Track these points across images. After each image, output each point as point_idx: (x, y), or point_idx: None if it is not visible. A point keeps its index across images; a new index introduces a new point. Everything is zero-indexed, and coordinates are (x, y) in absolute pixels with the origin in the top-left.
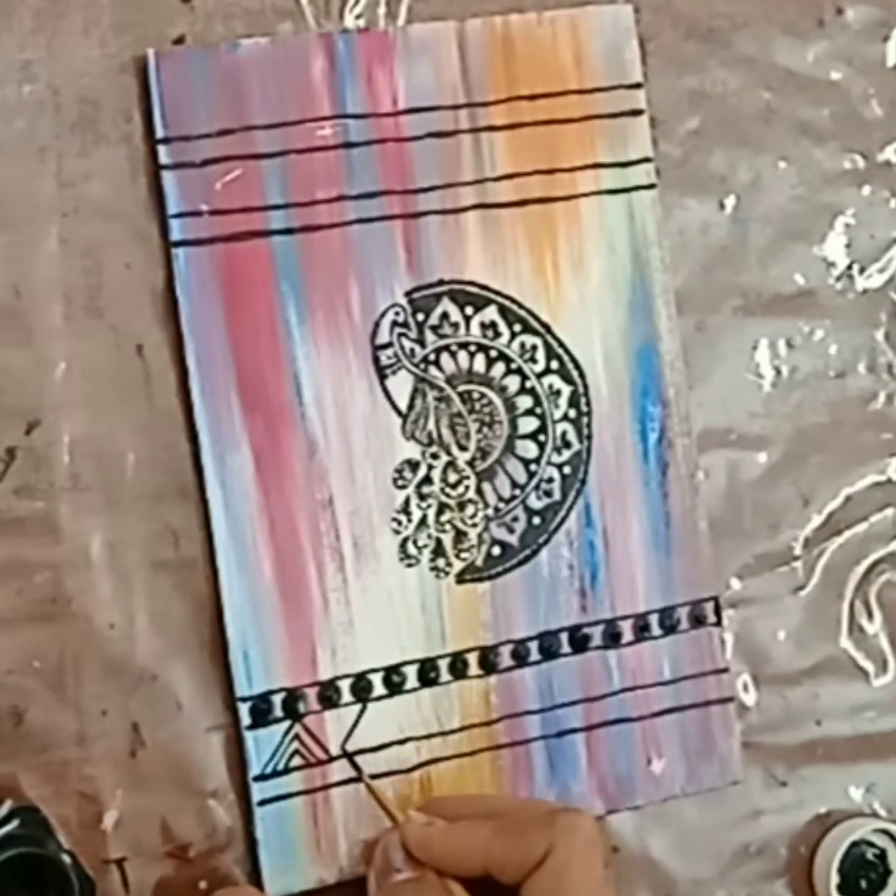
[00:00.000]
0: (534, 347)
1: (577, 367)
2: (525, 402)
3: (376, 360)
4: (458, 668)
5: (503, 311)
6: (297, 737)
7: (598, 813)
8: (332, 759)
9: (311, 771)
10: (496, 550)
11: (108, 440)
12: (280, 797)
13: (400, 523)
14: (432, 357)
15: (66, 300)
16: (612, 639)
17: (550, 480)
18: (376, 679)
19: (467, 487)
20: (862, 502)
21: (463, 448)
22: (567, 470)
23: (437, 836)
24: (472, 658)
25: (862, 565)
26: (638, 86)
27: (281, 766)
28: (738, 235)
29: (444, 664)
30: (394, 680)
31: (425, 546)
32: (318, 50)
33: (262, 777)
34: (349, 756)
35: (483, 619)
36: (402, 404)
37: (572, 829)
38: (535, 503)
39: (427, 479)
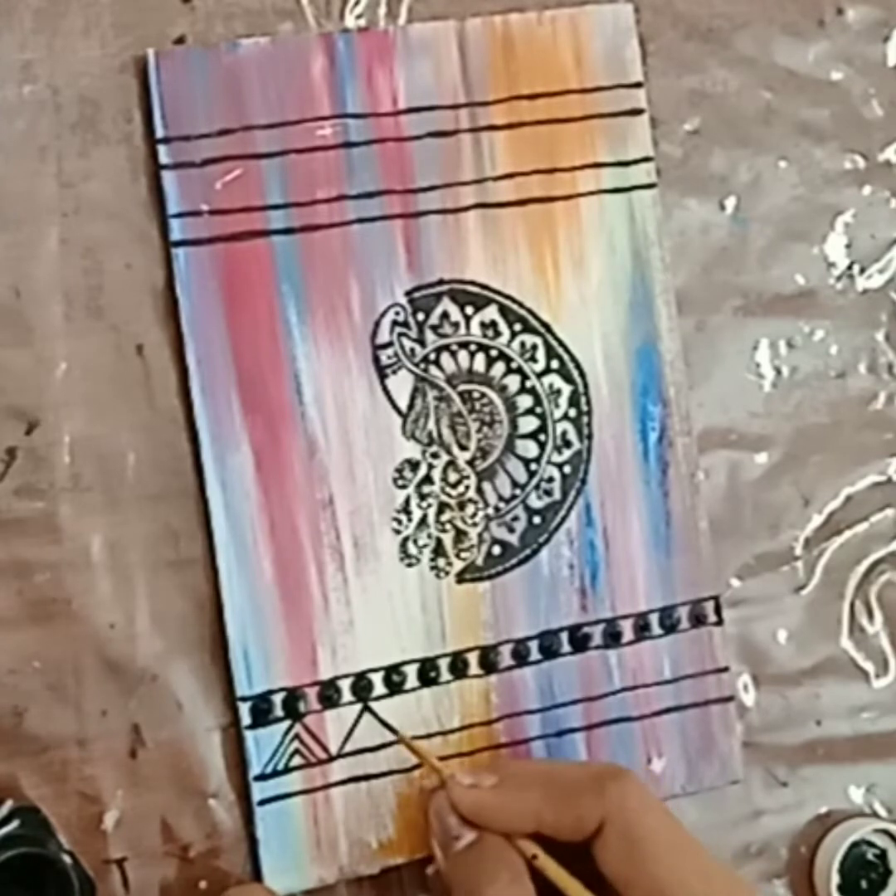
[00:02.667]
0: (534, 347)
1: (578, 366)
2: (525, 401)
3: (376, 359)
4: (459, 667)
5: (503, 310)
6: (297, 736)
7: None
8: (332, 758)
9: (312, 770)
10: (496, 550)
11: (109, 440)
12: (280, 797)
13: (400, 523)
14: (432, 356)
15: (67, 300)
16: (613, 638)
17: (551, 480)
18: (377, 679)
19: (467, 487)
20: (862, 502)
21: (463, 447)
22: (567, 469)
23: (487, 799)
24: (473, 657)
25: (862, 565)
26: (638, 85)
27: (281, 766)
28: (738, 235)
29: (444, 664)
30: (394, 679)
31: (426, 545)
32: (318, 50)
33: (262, 777)
34: (380, 720)
35: (483, 619)
36: (403, 404)
37: (623, 796)
38: (536, 502)
39: (427, 479)
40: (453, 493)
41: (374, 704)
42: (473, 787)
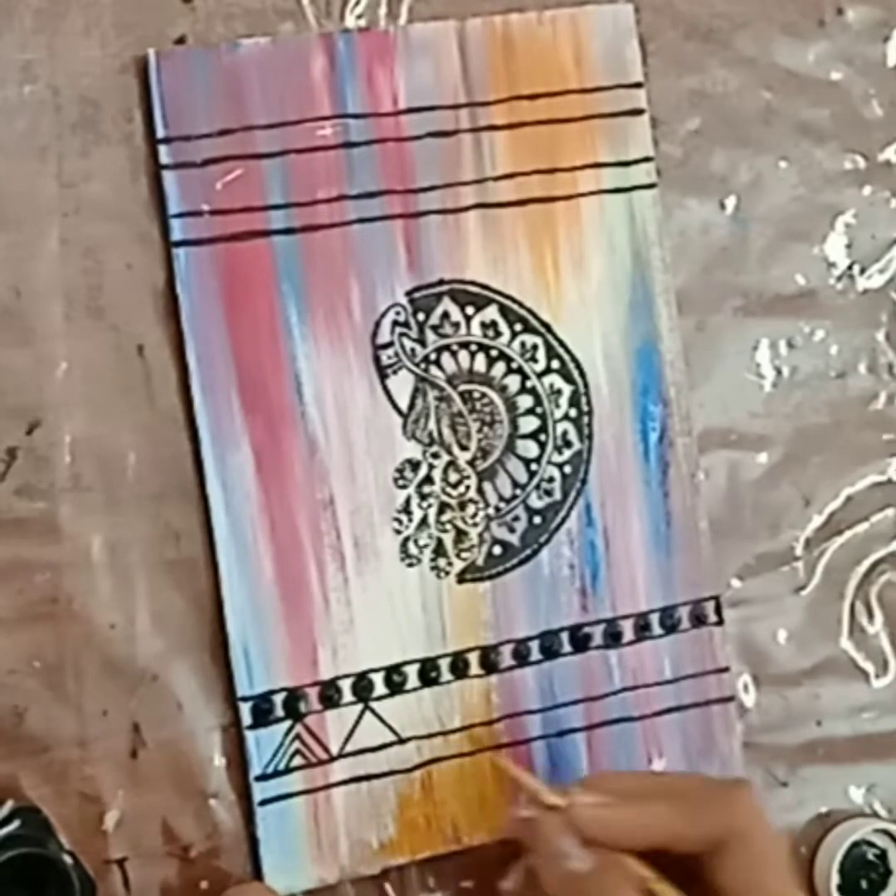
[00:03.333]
0: (534, 347)
1: (578, 366)
2: (526, 401)
3: (377, 359)
4: (459, 667)
5: (504, 310)
6: (298, 736)
7: None
8: (333, 758)
9: (312, 771)
10: (497, 550)
11: (109, 440)
12: (281, 797)
13: (401, 523)
14: (433, 356)
15: (67, 300)
16: (613, 638)
17: (551, 480)
18: (377, 679)
19: (468, 487)
20: (862, 502)
21: (464, 447)
22: (568, 469)
23: (615, 816)
24: (473, 657)
25: (863, 565)
26: (638, 85)
27: (282, 766)
28: (738, 235)
29: (444, 664)
30: (395, 679)
31: (426, 545)
32: (318, 50)
33: (263, 777)
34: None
35: (484, 619)
36: (403, 404)
37: (752, 810)
38: (536, 502)
39: (428, 479)
40: (454, 493)
41: (374, 704)
42: (599, 805)
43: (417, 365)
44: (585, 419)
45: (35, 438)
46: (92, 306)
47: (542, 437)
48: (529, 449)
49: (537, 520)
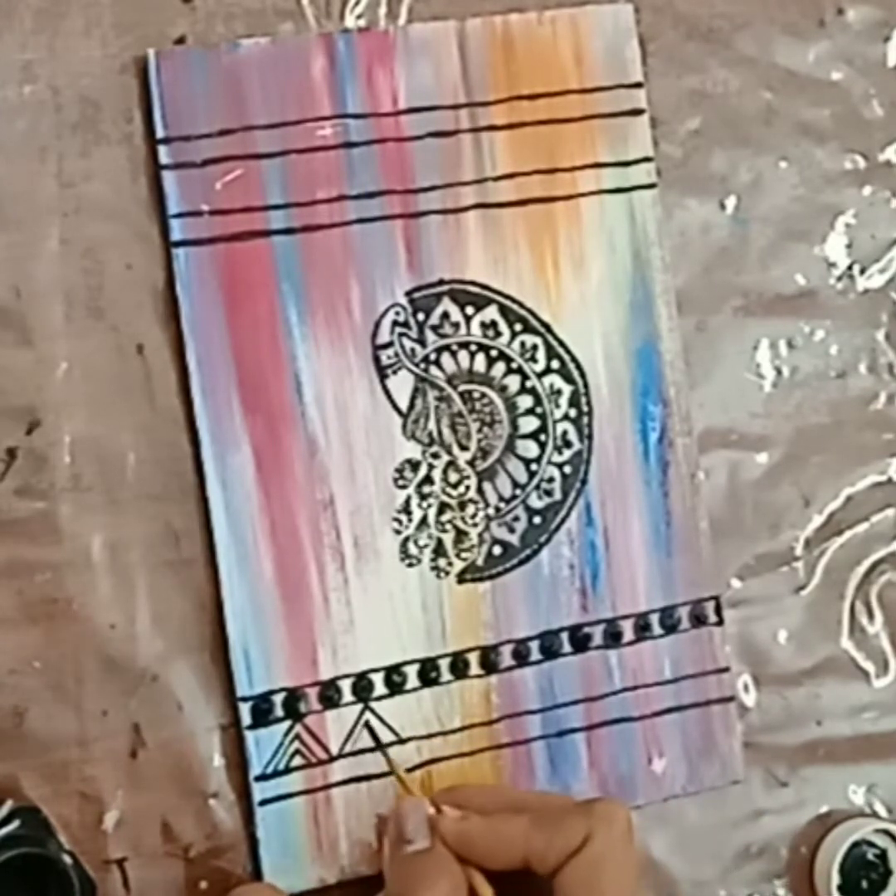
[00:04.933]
0: (534, 347)
1: (578, 366)
2: (526, 401)
3: (377, 359)
4: (459, 667)
5: (504, 310)
6: (298, 737)
7: None
8: (333, 758)
9: (312, 771)
10: (497, 550)
11: (109, 440)
12: (281, 797)
13: (401, 523)
14: (433, 357)
15: (67, 300)
16: (613, 638)
17: (551, 480)
18: (377, 679)
19: (468, 487)
20: (863, 502)
21: (464, 448)
22: (568, 469)
23: (475, 829)
24: (473, 658)
25: (863, 565)
26: (638, 85)
27: (282, 766)
28: (738, 235)
29: (444, 664)
30: (394, 680)
31: (426, 546)
32: (318, 50)
33: (262, 777)
34: (371, 731)
35: (484, 619)
36: (403, 404)
37: (610, 818)
38: (536, 503)
39: (428, 479)
40: (454, 493)
41: (374, 705)
42: (463, 818)
43: (417, 365)
44: (585, 419)
45: (35, 438)
46: (92, 306)
47: (542, 437)
48: (529, 449)
49: (537, 520)
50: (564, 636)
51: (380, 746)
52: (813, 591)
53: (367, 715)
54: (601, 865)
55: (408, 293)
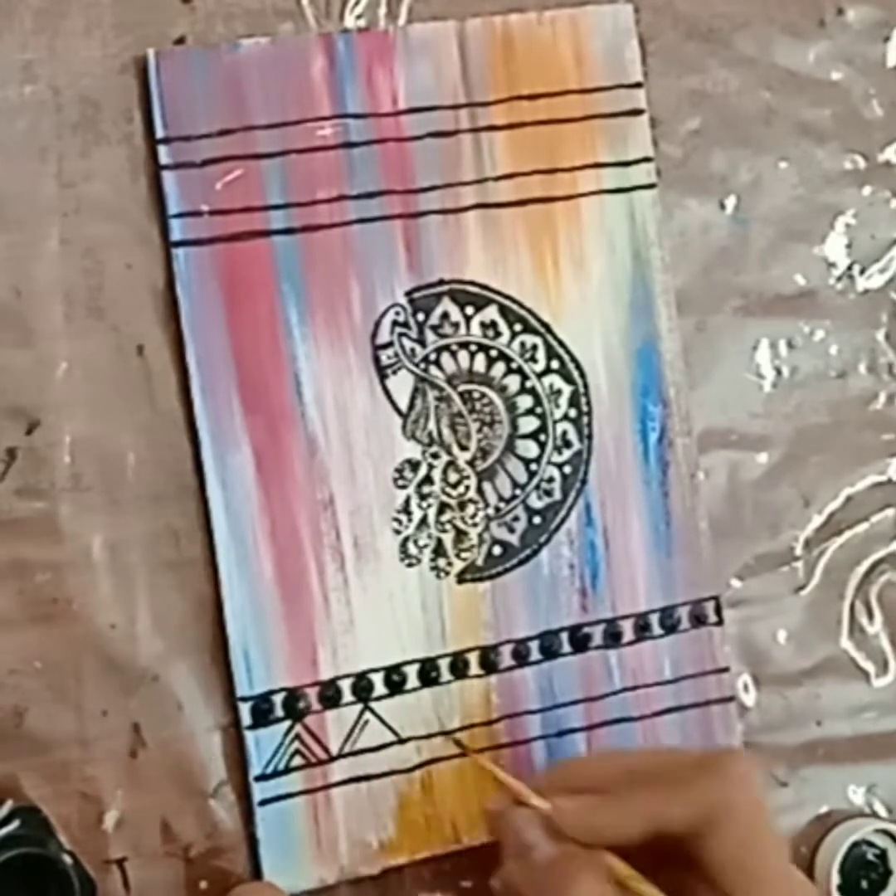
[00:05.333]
0: (534, 347)
1: (578, 366)
2: (525, 401)
3: (377, 359)
4: (459, 667)
5: (503, 310)
6: (297, 737)
7: None
8: (332, 758)
9: (312, 771)
10: (497, 550)
11: (109, 440)
12: (281, 797)
13: (400, 523)
14: (433, 357)
15: (67, 300)
16: (613, 638)
17: (551, 480)
18: (377, 679)
19: (468, 487)
20: (862, 502)
21: (463, 448)
22: (567, 469)
23: (599, 818)
24: (473, 658)
25: (862, 566)
26: (638, 85)
27: (282, 766)
28: (738, 235)
29: (444, 664)
30: (394, 679)
31: (426, 546)
32: (318, 50)
33: (262, 777)
34: (457, 742)
35: (484, 619)
36: (403, 404)
37: (744, 777)
38: (536, 503)
39: (427, 479)
40: (453, 493)
41: (374, 705)
42: (581, 807)
43: (417, 365)
44: (585, 419)
45: (35, 438)
46: (92, 306)
47: (542, 437)
48: (529, 449)
49: (537, 520)
50: (564, 636)
51: (462, 748)
52: (813, 591)
53: (367, 715)
54: (755, 830)
55: (408, 293)
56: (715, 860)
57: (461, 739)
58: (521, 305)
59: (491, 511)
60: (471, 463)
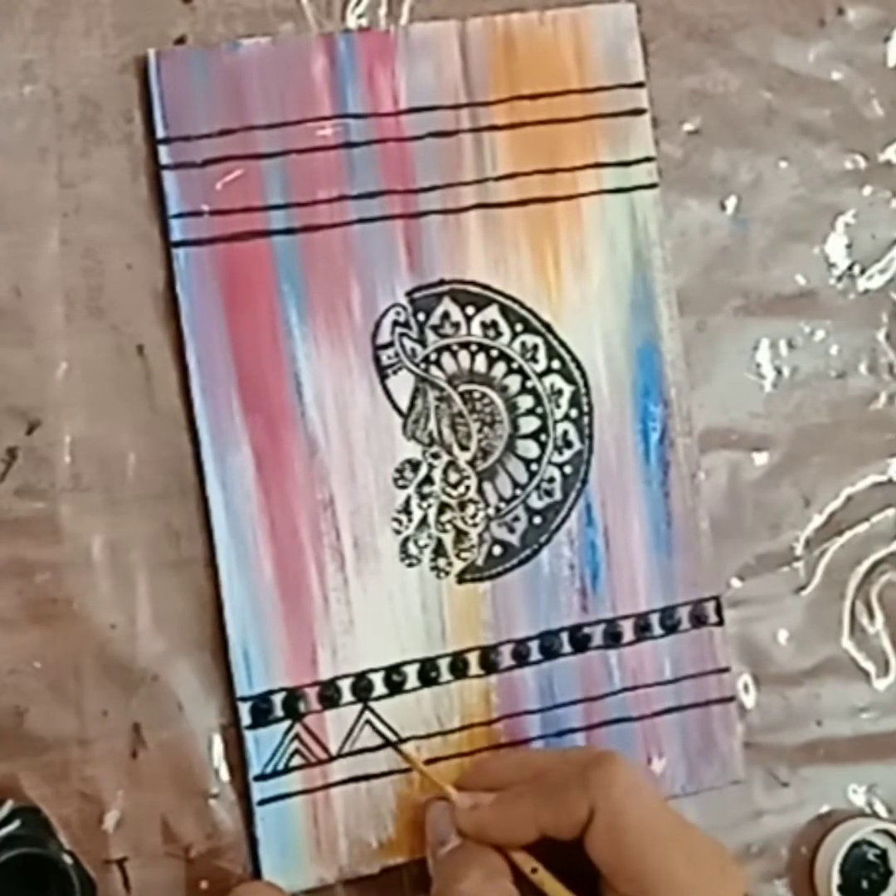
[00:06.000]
0: (535, 347)
1: (579, 366)
2: (526, 401)
3: (377, 359)
4: (459, 667)
5: (504, 310)
6: (297, 736)
7: None
8: (332, 758)
9: (312, 770)
10: (497, 550)
11: (109, 440)
12: (280, 797)
13: (401, 523)
14: (433, 357)
15: (67, 300)
16: (613, 638)
17: (551, 480)
18: (377, 679)
19: (468, 487)
20: (863, 502)
21: (464, 448)
22: (568, 469)
23: (486, 818)
24: (473, 658)
25: (863, 566)
26: (640, 85)
27: (281, 766)
28: (739, 236)
29: (444, 664)
30: (394, 679)
31: (426, 546)
32: (319, 50)
33: (262, 777)
34: (395, 739)
35: (484, 619)
36: (403, 404)
37: (608, 784)
38: (536, 503)
39: (428, 479)
40: (454, 493)
41: (374, 705)
42: (474, 807)
43: (417, 365)
44: (586, 419)
45: (35, 438)
46: (92, 306)
47: (543, 437)
48: (530, 449)
49: (537, 520)
50: (564, 636)
51: (394, 743)
52: (813, 591)
53: (367, 715)
54: (616, 829)
55: (408, 293)
56: (599, 862)
57: (393, 740)
58: (521, 305)
59: (491, 511)
60: (471, 463)
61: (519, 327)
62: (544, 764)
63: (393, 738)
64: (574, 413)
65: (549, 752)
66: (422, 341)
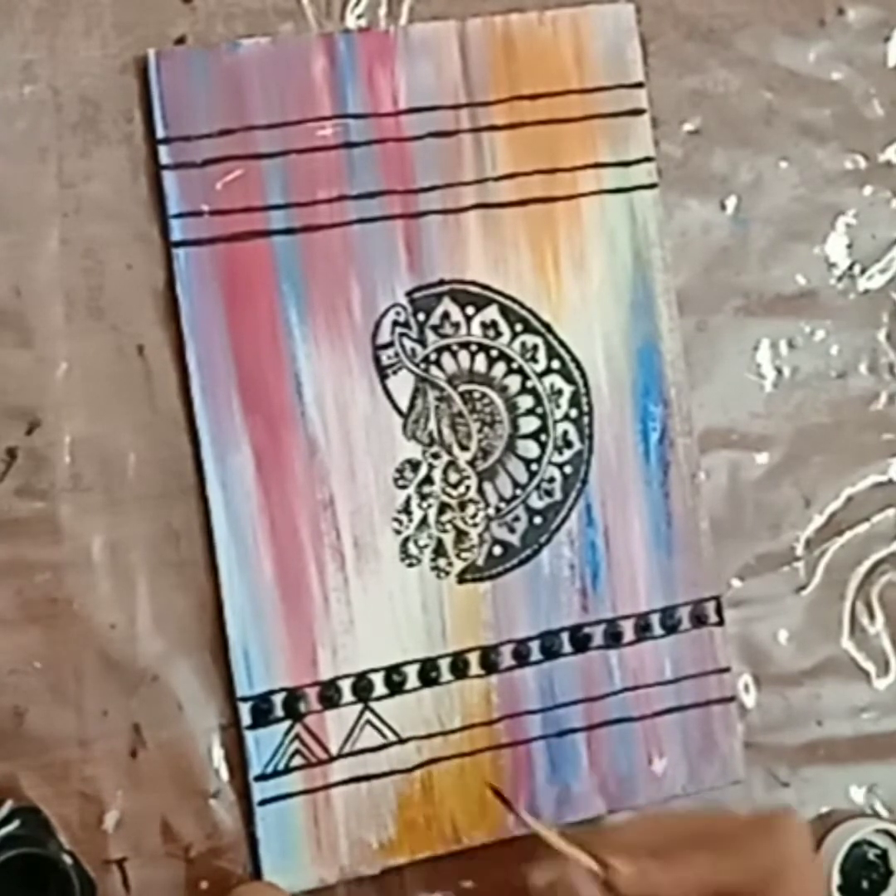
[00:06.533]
0: (535, 347)
1: (579, 366)
2: (526, 401)
3: (377, 359)
4: (459, 667)
5: (504, 310)
6: (297, 736)
7: (599, 812)
8: (332, 758)
9: (312, 771)
10: (497, 550)
11: (110, 440)
12: (281, 797)
13: (401, 523)
14: (433, 357)
15: (68, 300)
16: (614, 638)
17: (551, 480)
18: (377, 679)
19: (468, 487)
20: (863, 502)
21: (464, 448)
22: (568, 469)
23: (659, 880)
24: (473, 658)
25: (863, 566)
26: (639, 85)
27: (282, 766)
28: (739, 236)
29: (445, 664)
30: (395, 679)
31: (426, 546)
32: (319, 50)
33: (262, 777)
34: (510, 805)
35: (484, 619)
36: (403, 404)
37: (796, 833)
38: (537, 503)
39: (428, 479)
40: (454, 493)
41: (374, 705)
42: (641, 871)
43: (417, 365)
44: (586, 419)
45: (35, 438)
46: (92, 306)
47: (543, 437)
48: (530, 449)
49: (538, 520)
50: (565, 636)
51: (550, 839)
52: (813, 591)
53: (368, 715)
54: (805, 891)
55: (408, 293)
56: None
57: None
58: (521, 305)
59: (491, 511)
60: (471, 463)
61: (519, 327)
62: (692, 824)
63: (393, 738)
64: (574, 413)
65: (689, 813)
66: (422, 341)
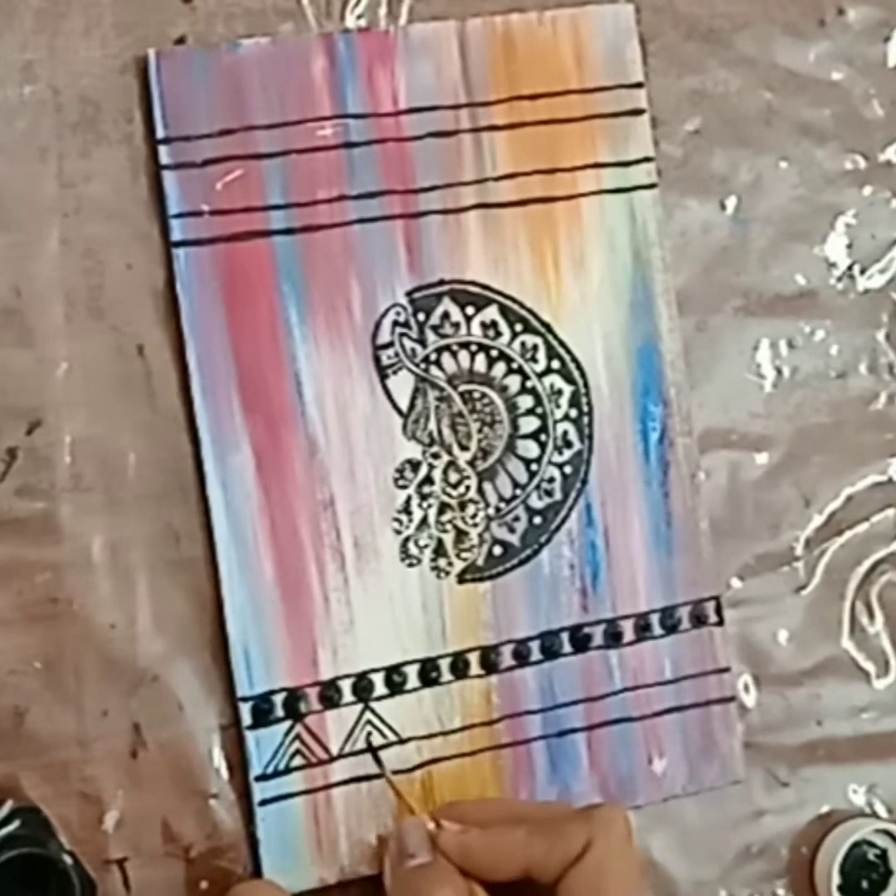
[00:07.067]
0: (535, 347)
1: (579, 366)
2: (526, 401)
3: (377, 359)
4: (460, 667)
5: (504, 310)
6: (298, 737)
7: None
8: (333, 758)
9: (313, 771)
10: (497, 550)
11: (110, 440)
12: (281, 797)
13: (401, 523)
14: (433, 357)
15: (68, 300)
16: (614, 638)
17: (551, 480)
18: (377, 679)
19: (468, 487)
20: (863, 502)
21: (464, 448)
22: (568, 469)
23: (475, 842)
24: (474, 658)
25: (863, 566)
26: (639, 85)
27: (282, 766)
28: (739, 236)
29: (445, 664)
30: (395, 680)
31: (426, 546)
32: (318, 50)
33: (263, 777)
34: (372, 750)
35: (484, 619)
36: (403, 404)
37: (609, 823)
38: (537, 503)
39: (428, 479)
40: (454, 493)
41: (374, 705)
42: (463, 831)
43: (417, 365)
44: (586, 419)
45: (35, 438)
46: (92, 306)
47: (543, 437)
48: (530, 449)
49: (537, 520)
50: (565, 636)
51: (378, 762)
52: (813, 591)
53: (368, 715)
54: (603, 871)
55: (408, 293)
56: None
57: (373, 748)
58: (521, 305)
59: (491, 511)
60: (471, 463)
61: (519, 327)
62: (524, 808)
63: (393, 738)
64: (574, 413)
65: (525, 800)
66: (422, 341)
